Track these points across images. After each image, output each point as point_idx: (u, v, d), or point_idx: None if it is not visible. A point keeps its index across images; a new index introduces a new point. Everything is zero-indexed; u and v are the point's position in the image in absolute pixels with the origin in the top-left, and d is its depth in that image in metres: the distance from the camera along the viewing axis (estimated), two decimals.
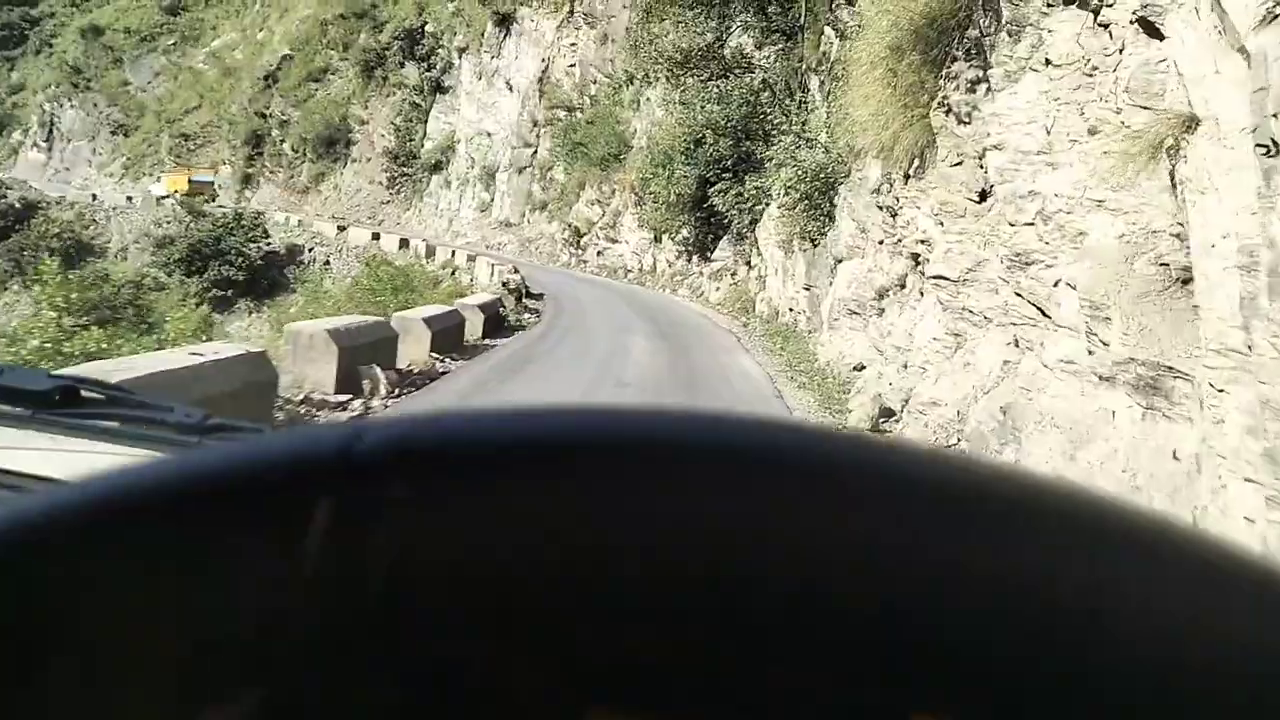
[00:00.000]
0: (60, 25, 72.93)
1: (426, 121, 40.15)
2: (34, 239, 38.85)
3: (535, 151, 31.88)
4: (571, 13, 31.04)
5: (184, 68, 60.55)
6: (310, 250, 29.71)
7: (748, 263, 18.91)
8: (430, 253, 25.21)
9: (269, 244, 29.28)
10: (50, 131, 65.46)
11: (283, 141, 47.18)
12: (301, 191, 45.95)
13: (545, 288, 18.71)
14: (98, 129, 62.29)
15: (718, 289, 19.36)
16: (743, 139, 17.69)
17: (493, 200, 34.11)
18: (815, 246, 13.84)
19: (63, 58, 66.11)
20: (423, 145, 39.76)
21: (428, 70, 39.74)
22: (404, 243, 27.43)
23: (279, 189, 46.72)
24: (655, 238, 22.65)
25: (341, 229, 30.88)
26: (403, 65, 40.43)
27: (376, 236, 28.69)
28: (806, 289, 14.22)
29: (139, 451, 1.12)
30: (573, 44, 32.03)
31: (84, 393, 1.27)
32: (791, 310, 14.97)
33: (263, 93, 48.92)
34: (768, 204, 16.27)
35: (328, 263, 28.55)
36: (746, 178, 17.46)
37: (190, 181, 44.73)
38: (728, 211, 18.25)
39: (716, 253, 20.01)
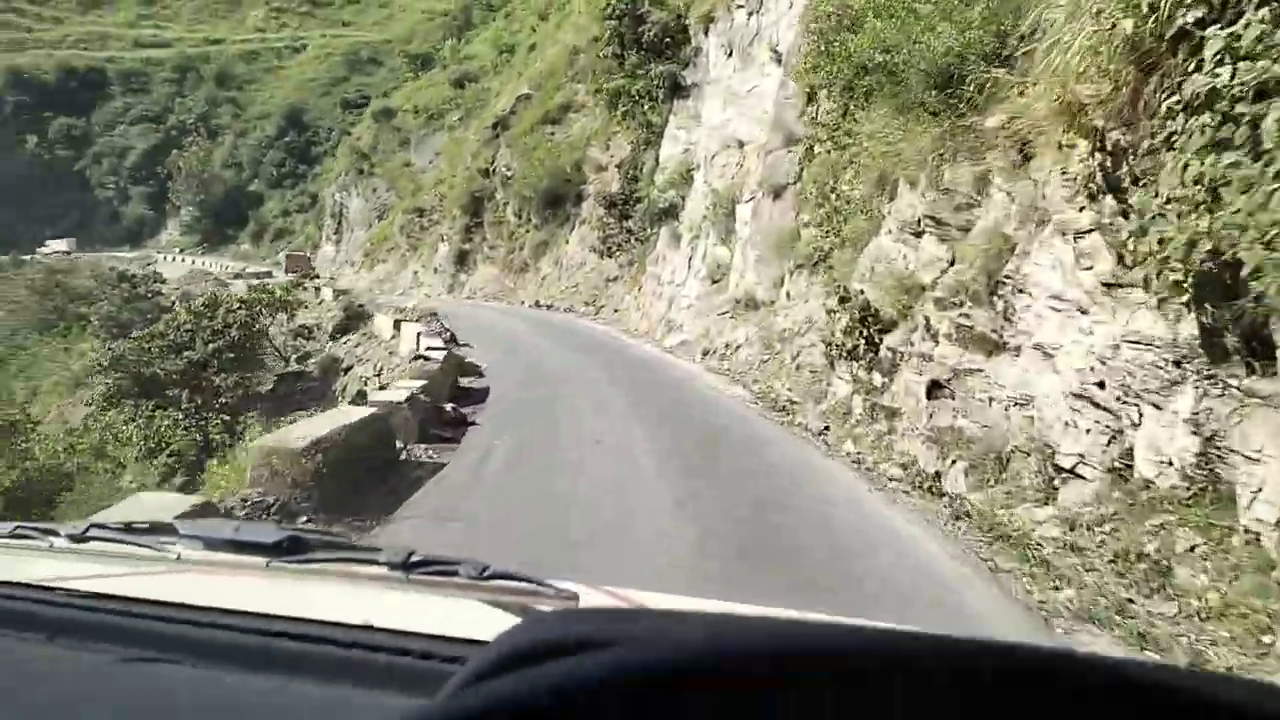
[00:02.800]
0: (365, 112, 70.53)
1: (659, 144, 25.00)
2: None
3: (809, 150, 14.95)
4: None
5: (454, 139, 52.44)
6: (347, 369, 15.32)
7: None
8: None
9: (280, 360, 15.23)
10: (339, 222, 61.34)
11: (505, 205, 34.95)
12: (519, 271, 33.10)
13: None
14: (374, 216, 56.64)
15: None
16: None
17: (732, 258, 17.53)
18: None
19: (355, 145, 62.11)
20: (652, 182, 24.55)
21: (665, 62, 24.72)
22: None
23: (497, 268, 34.36)
24: (1195, 302, 4.64)
25: (397, 326, 16.22)
26: (621, 58, 25.83)
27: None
28: None
29: (356, 589, 1.31)
30: None
31: (308, 540, 1.41)
32: None
33: (488, 144, 37.51)
34: None
35: (363, 391, 13.82)
36: None
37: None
38: None
39: None
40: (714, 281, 17.87)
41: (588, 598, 1.30)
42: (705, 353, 15.42)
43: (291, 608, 1.16)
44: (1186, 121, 4.15)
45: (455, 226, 36.61)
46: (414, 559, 1.35)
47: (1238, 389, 4.42)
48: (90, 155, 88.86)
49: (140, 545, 1.43)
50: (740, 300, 16.01)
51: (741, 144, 19.55)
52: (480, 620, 1.12)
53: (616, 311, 24.96)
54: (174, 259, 66.87)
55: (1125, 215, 5.01)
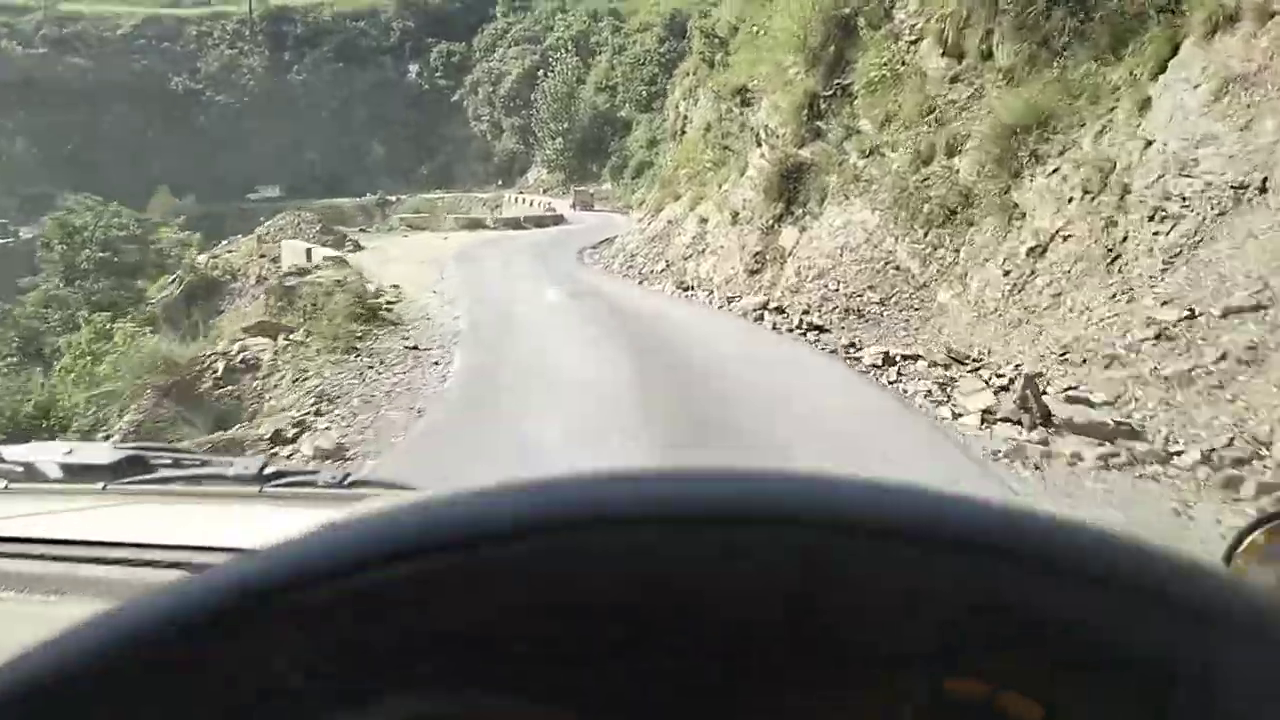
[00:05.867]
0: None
1: None
2: None
3: None
4: None
5: None
6: None
7: None
8: None
9: None
10: (679, 141, 42.01)
11: (919, 25, 11.96)
12: (945, 220, 10.13)
13: None
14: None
15: None
16: None
17: None
18: None
19: (706, 27, 41.77)
20: None
21: None
22: None
23: (877, 211, 11.69)
24: None
25: None
26: None
27: None
28: None
29: (204, 508, 1.23)
30: None
31: (150, 459, 1.33)
32: None
33: None
34: None
35: None
36: None
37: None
38: None
39: None
40: None
41: None
42: None
43: (131, 533, 1.08)
44: None
45: (786, 102, 14.37)
46: (267, 471, 1.29)
47: None
48: (468, 84, 79.99)
49: None
50: None
51: None
52: None
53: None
54: (527, 201, 51.96)
55: None
